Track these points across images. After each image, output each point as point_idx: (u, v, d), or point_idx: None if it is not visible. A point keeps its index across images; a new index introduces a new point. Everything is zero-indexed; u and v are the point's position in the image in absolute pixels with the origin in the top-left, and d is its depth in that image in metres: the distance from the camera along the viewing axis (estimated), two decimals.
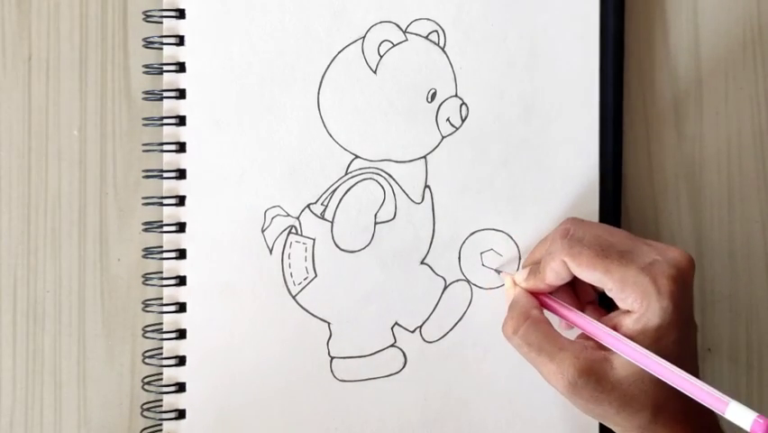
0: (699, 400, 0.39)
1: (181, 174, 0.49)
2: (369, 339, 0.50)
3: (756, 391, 0.53)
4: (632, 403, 0.42)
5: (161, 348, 0.49)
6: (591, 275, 0.43)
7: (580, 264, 0.44)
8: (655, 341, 0.42)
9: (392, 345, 0.50)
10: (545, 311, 0.46)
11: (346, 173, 0.50)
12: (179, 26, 0.49)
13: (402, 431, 0.50)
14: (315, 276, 0.49)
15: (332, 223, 0.49)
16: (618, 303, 0.43)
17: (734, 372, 0.52)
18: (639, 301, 0.42)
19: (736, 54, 0.53)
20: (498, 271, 0.50)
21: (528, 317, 0.45)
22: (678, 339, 0.42)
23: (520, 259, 0.50)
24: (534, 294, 0.47)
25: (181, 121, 0.49)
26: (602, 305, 0.48)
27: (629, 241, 0.45)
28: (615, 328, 0.43)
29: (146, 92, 0.49)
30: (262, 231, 0.49)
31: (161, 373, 0.49)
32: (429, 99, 0.50)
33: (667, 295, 0.42)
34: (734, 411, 0.38)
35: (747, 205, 0.53)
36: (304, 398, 0.49)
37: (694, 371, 0.44)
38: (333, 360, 0.49)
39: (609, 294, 0.44)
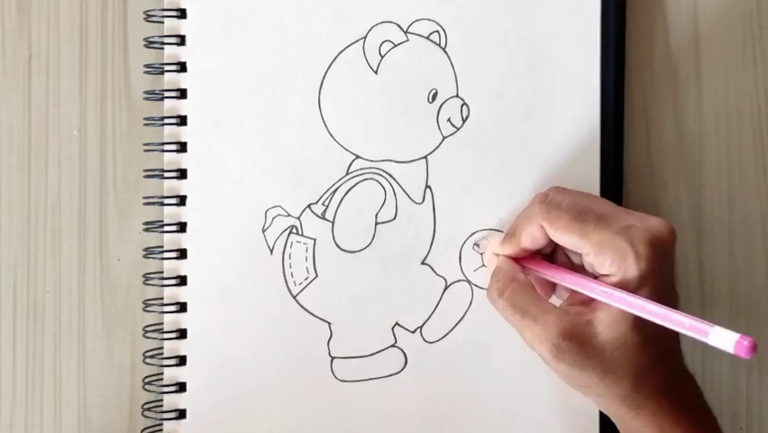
0: (684, 332, 0.39)
1: (182, 174, 0.49)
2: (369, 339, 0.50)
3: (756, 391, 0.53)
4: (614, 370, 0.42)
5: (162, 348, 0.49)
6: (568, 239, 0.43)
7: (557, 228, 0.44)
8: None
9: (393, 346, 0.50)
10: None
11: (347, 173, 0.50)
12: (180, 26, 0.49)
13: (402, 431, 0.50)
14: (316, 276, 0.49)
15: (332, 223, 0.49)
16: (597, 268, 0.43)
17: (734, 372, 0.53)
18: (617, 264, 0.42)
19: (736, 54, 0.54)
20: (477, 245, 0.50)
21: (514, 279, 0.45)
22: (656, 301, 0.42)
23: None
24: (516, 260, 0.47)
25: (182, 121, 0.49)
26: None
27: (608, 207, 0.45)
28: None
29: (147, 92, 0.49)
30: (263, 231, 0.49)
31: (162, 373, 0.49)
32: (430, 99, 0.50)
33: (645, 258, 0.41)
34: (717, 336, 0.37)
35: (747, 205, 0.53)
36: (304, 398, 0.49)
37: (676, 340, 0.44)
38: (334, 360, 0.49)
39: (587, 259, 0.43)
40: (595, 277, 0.44)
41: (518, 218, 0.48)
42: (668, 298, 0.43)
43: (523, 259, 0.47)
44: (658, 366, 0.41)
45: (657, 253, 0.42)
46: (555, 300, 0.48)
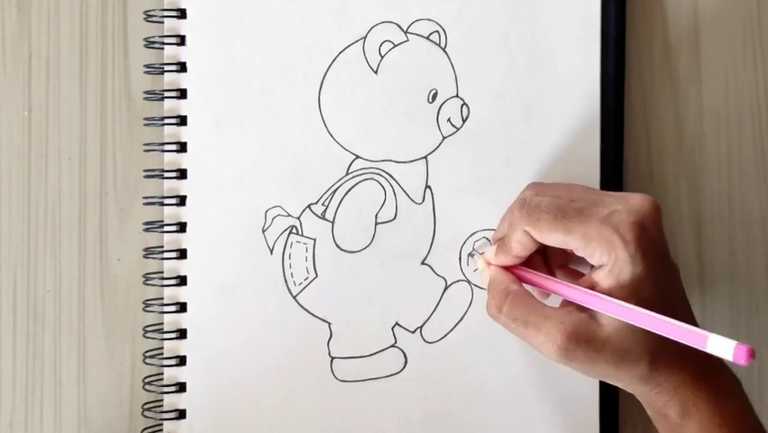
0: (680, 341, 0.39)
1: (182, 174, 0.49)
2: (369, 339, 0.50)
3: (757, 391, 0.53)
4: (627, 356, 0.42)
5: (162, 348, 0.49)
6: (554, 238, 0.43)
7: (540, 230, 0.44)
8: (633, 291, 0.41)
9: (393, 346, 0.50)
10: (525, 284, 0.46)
11: (347, 173, 0.50)
12: (181, 26, 0.49)
13: (402, 431, 0.50)
14: (316, 276, 0.49)
15: (332, 223, 0.49)
16: (589, 260, 0.43)
17: (733, 371, 0.53)
18: (607, 253, 0.42)
19: (736, 54, 0.54)
20: (472, 255, 0.50)
21: (509, 292, 0.45)
22: (655, 284, 0.42)
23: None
24: (508, 269, 0.47)
25: (182, 121, 0.49)
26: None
27: (588, 195, 0.44)
28: (592, 286, 0.43)
29: (147, 92, 0.49)
30: (263, 231, 0.49)
31: (162, 373, 0.49)
32: (430, 100, 0.50)
33: (633, 241, 0.41)
34: (714, 344, 0.38)
35: (747, 205, 0.53)
36: (304, 398, 0.49)
37: (684, 312, 0.44)
38: (334, 360, 0.49)
39: (577, 253, 0.43)
40: (591, 267, 0.44)
41: (501, 226, 0.48)
42: (664, 273, 0.43)
43: (515, 268, 0.47)
44: (670, 340, 0.41)
45: (643, 232, 0.42)
46: (555, 299, 0.48)
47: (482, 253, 0.49)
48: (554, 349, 0.42)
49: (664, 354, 0.42)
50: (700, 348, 0.38)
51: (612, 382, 0.44)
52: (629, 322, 0.41)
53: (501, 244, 0.47)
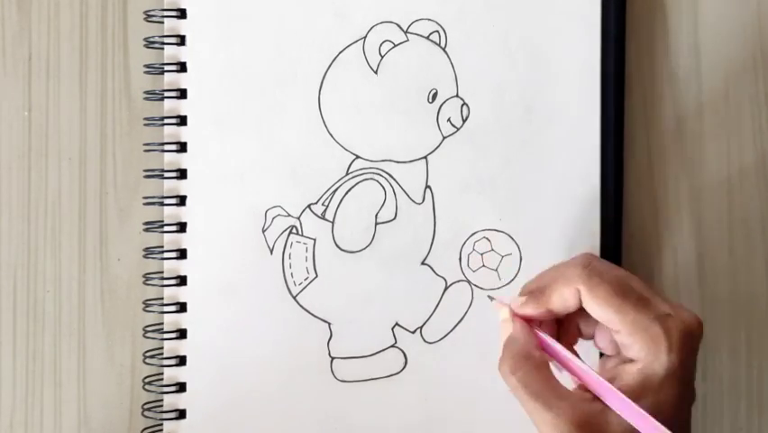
0: None
1: (182, 174, 0.49)
2: (369, 340, 0.50)
3: (756, 391, 0.53)
4: None
5: (162, 348, 0.49)
6: (603, 312, 0.42)
7: (595, 297, 0.42)
8: (656, 393, 0.40)
9: (393, 346, 0.50)
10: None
11: (347, 173, 0.50)
12: (180, 26, 0.49)
13: (402, 431, 0.50)
14: (316, 276, 0.49)
15: (332, 223, 0.49)
16: (623, 349, 0.42)
17: (734, 372, 0.53)
18: (647, 350, 0.41)
19: (736, 53, 0.53)
20: (492, 299, 0.49)
21: (529, 358, 0.43)
22: (678, 397, 0.41)
23: (521, 261, 0.50)
24: (530, 326, 0.45)
25: (182, 121, 0.49)
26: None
27: (647, 290, 0.43)
28: (615, 377, 0.41)
29: (147, 92, 0.49)
30: (263, 231, 0.49)
31: (162, 373, 0.49)
32: (430, 99, 0.50)
33: (677, 350, 0.40)
34: None
35: (747, 206, 0.53)
36: (304, 398, 0.49)
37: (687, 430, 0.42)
38: (334, 360, 0.49)
39: (616, 336, 0.42)
40: (612, 354, 0.43)
41: (547, 277, 0.45)
42: (687, 395, 0.42)
43: (538, 331, 0.45)
44: None
45: (688, 348, 0.41)
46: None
47: (505, 304, 0.46)
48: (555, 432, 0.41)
49: None
50: None
51: None
52: (631, 421, 0.40)
53: (537, 295, 0.45)
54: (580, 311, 0.43)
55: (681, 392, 0.41)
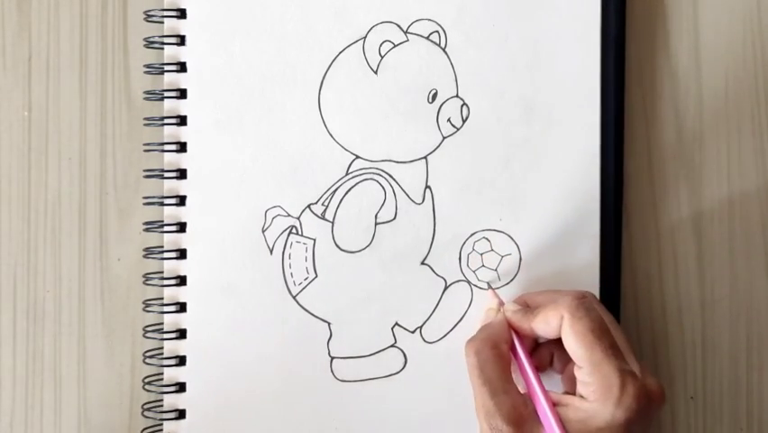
0: None
1: (182, 174, 0.49)
2: (369, 339, 0.50)
3: (756, 391, 0.53)
4: None
5: (162, 348, 0.49)
6: (575, 344, 0.43)
7: (573, 327, 0.43)
8: None
9: (392, 346, 0.50)
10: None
11: (347, 173, 0.50)
12: (180, 26, 0.49)
13: (402, 431, 0.50)
14: (316, 276, 0.49)
15: (332, 223, 0.49)
16: (579, 385, 0.43)
17: (734, 372, 0.53)
18: (598, 394, 0.42)
19: (736, 53, 0.53)
20: (490, 287, 0.50)
21: (495, 347, 0.45)
22: None
23: (521, 261, 0.50)
24: (509, 330, 0.47)
25: (182, 121, 0.49)
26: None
27: (624, 344, 0.44)
28: (560, 404, 0.43)
29: (147, 92, 0.49)
30: (263, 231, 0.49)
31: (162, 373, 0.49)
32: (430, 100, 0.50)
33: (625, 407, 0.41)
34: None
35: (747, 205, 0.53)
36: (304, 398, 0.49)
37: None
38: (334, 360, 0.49)
39: (577, 373, 0.43)
40: (571, 392, 0.44)
41: (543, 297, 0.48)
42: None
43: (516, 334, 0.47)
44: None
45: (640, 410, 0.41)
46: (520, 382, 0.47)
47: (501, 300, 0.49)
48: (491, 422, 0.42)
49: None
50: None
51: None
52: None
53: (527, 310, 0.47)
54: (558, 342, 0.45)
55: None
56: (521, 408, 0.43)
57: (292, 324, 0.49)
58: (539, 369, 0.47)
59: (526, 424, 0.42)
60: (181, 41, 0.49)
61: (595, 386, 0.42)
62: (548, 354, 0.48)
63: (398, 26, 0.50)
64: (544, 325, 0.45)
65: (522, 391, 0.44)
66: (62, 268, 0.49)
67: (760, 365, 0.53)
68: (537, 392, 0.44)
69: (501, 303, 0.48)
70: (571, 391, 0.44)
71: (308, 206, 0.49)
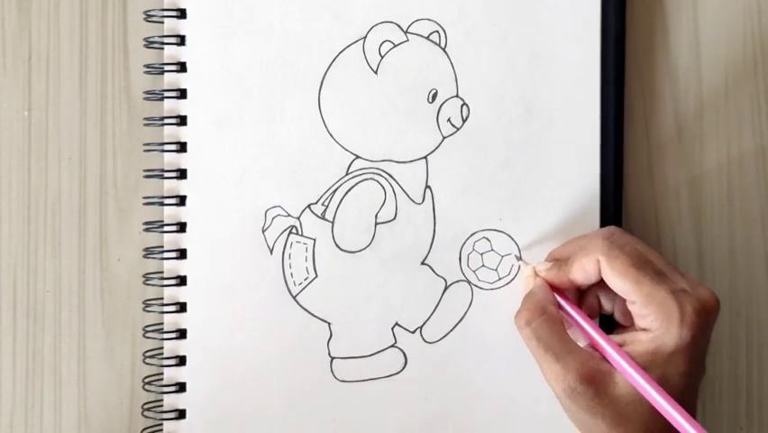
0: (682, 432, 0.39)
1: (182, 174, 0.49)
2: (369, 340, 0.50)
3: (756, 392, 0.53)
4: (625, 424, 0.41)
5: (162, 348, 0.49)
6: (621, 283, 0.43)
7: (613, 267, 0.43)
8: (664, 365, 0.41)
9: (392, 346, 0.50)
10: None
11: (347, 173, 0.50)
12: (180, 26, 0.49)
13: (402, 432, 0.50)
14: (316, 276, 0.49)
15: (332, 223, 0.49)
16: (637, 319, 0.43)
17: (734, 372, 0.53)
18: (659, 322, 0.42)
19: (736, 53, 0.53)
20: (519, 258, 0.50)
21: (544, 312, 0.44)
22: (685, 372, 0.41)
23: (521, 260, 0.50)
24: (550, 289, 0.47)
25: (182, 121, 0.49)
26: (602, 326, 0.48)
27: (666, 265, 0.44)
28: (626, 343, 0.43)
29: (147, 92, 0.49)
30: (263, 231, 0.49)
31: (162, 373, 0.49)
32: (430, 100, 0.50)
33: (689, 325, 0.41)
34: None
35: (747, 205, 0.53)
36: (304, 398, 0.49)
37: (690, 412, 0.42)
38: (334, 360, 0.49)
39: (631, 307, 0.43)
40: (629, 325, 0.44)
41: (570, 247, 0.47)
42: (695, 370, 0.43)
43: (558, 291, 0.46)
44: (672, 430, 0.40)
45: (701, 323, 0.42)
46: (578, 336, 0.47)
47: (530, 263, 0.49)
48: (563, 385, 0.42)
49: None
50: None
51: None
52: (644, 395, 0.41)
53: (560, 264, 0.47)
54: (601, 284, 0.45)
55: (689, 367, 0.42)
56: (590, 362, 0.42)
57: (292, 324, 0.49)
58: (591, 317, 0.47)
59: (598, 376, 0.42)
60: (181, 41, 0.49)
61: (654, 315, 0.42)
62: (594, 299, 0.47)
63: (398, 26, 0.50)
64: (582, 273, 0.45)
65: (584, 346, 0.44)
66: (62, 268, 0.49)
67: (760, 365, 0.53)
68: (599, 341, 0.43)
69: (533, 266, 0.48)
70: (629, 324, 0.44)
71: (308, 206, 0.49)
